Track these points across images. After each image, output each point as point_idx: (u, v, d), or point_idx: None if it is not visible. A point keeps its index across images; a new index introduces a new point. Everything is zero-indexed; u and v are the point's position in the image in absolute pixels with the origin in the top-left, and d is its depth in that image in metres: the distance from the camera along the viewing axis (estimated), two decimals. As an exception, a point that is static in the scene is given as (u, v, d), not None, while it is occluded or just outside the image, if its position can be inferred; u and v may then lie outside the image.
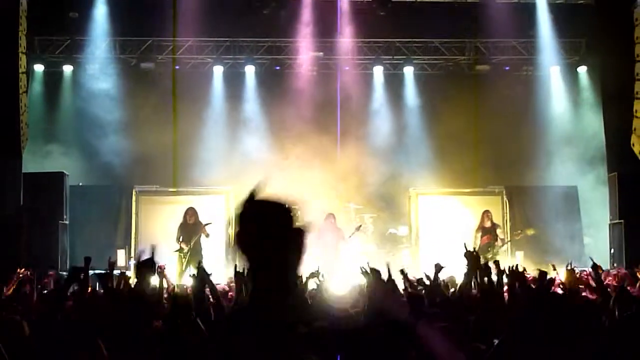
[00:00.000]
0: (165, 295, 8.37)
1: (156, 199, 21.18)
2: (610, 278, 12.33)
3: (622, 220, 18.62)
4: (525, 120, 22.01)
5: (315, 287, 9.29)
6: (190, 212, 18.71)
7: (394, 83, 22.91)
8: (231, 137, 21.86)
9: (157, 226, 20.74)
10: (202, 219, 18.63)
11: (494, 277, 7.29)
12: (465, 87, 22.05)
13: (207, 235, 18.21)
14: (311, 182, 19.98)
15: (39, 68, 22.12)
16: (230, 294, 10.59)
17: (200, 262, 16.65)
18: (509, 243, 19.11)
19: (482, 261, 15.97)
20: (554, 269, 10.96)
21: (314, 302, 7.34)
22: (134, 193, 20.89)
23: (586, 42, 22.28)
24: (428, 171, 21.54)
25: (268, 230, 2.84)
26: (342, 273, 15.72)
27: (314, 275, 9.39)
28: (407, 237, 21.29)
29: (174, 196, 21.06)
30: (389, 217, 21.48)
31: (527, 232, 18.85)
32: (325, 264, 15.63)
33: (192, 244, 18.28)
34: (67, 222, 19.05)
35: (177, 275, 17.11)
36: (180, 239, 18.30)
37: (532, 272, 11.96)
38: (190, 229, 18.53)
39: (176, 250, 18.14)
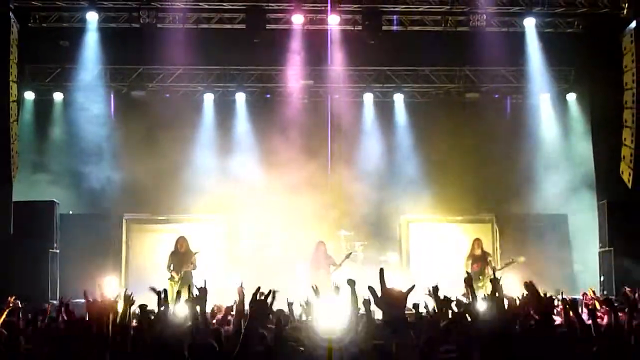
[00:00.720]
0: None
1: (146, 227, 21.11)
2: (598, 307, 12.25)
3: (611, 248, 18.57)
4: (515, 148, 22.01)
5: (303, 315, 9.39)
6: (181, 241, 18.64)
7: (384, 110, 22.96)
8: (222, 164, 21.77)
9: (147, 254, 20.68)
10: (193, 247, 18.57)
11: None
12: (455, 114, 22.14)
13: (194, 268, 18.17)
14: (301, 209, 19.98)
15: (29, 96, 22.14)
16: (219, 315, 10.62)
17: (195, 287, 16.64)
18: (500, 271, 19.09)
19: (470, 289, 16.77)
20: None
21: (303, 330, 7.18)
22: (124, 221, 20.74)
23: (575, 70, 22.30)
24: (418, 198, 21.47)
25: None
26: (332, 300, 16.37)
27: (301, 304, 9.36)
28: (398, 264, 21.16)
29: (164, 224, 21.06)
30: (379, 245, 21.46)
31: (517, 260, 18.78)
32: (318, 280, 15.65)
33: (182, 272, 18.21)
34: (57, 250, 18.91)
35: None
36: (171, 267, 18.25)
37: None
38: (181, 257, 18.47)
39: (168, 279, 18.09)
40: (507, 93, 22.85)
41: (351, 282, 7.26)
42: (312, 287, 8.73)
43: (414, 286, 4.66)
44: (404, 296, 4.18)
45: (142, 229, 21.05)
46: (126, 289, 8.20)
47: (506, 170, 21.60)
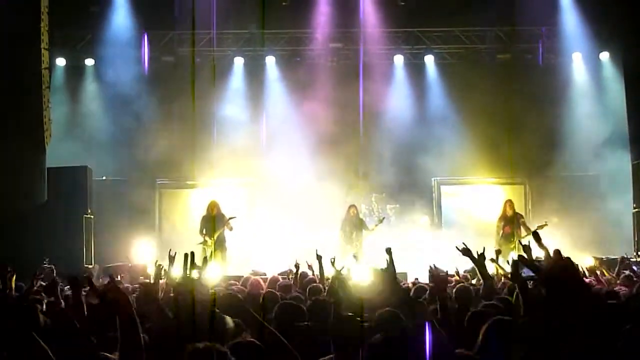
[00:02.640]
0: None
1: (179, 192, 21.13)
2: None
3: (645, 208, 18.20)
4: (548, 108, 21.56)
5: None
6: (212, 205, 18.44)
7: (415, 72, 22.55)
8: (252, 127, 21.57)
9: (180, 219, 20.78)
10: (225, 211, 18.34)
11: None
12: (487, 75, 21.71)
13: (231, 229, 17.95)
14: (332, 172, 19.78)
15: (60, 62, 21.88)
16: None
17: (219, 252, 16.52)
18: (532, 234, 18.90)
19: (505, 251, 16.17)
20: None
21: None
22: (156, 186, 20.85)
23: (609, 29, 21.63)
24: (450, 160, 21.12)
25: None
26: (364, 264, 15.86)
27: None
28: (429, 227, 20.93)
29: (196, 189, 20.98)
30: (411, 207, 21.04)
31: (549, 222, 18.55)
32: (347, 256, 15.53)
33: (215, 236, 17.98)
34: (91, 216, 18.90)
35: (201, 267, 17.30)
36: (204, 232, 18.01)
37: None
38: (213, 221, 18.20)
39: (200, 243, 17.81)
40: (540, 53, 22.26)
41: (388, 251, 7.30)
42: (354, 255, 8.70)
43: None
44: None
45: (175, 194, 21.21)
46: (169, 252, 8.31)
47: (539, 131, 21.17)
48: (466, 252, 7.77)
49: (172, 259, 8.34)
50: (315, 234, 19.06)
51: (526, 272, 5.19)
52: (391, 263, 6.98)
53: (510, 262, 7.06)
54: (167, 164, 20.70)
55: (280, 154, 20.39)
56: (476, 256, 7.62)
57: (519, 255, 4.99)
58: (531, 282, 4.97)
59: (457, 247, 8.10)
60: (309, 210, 19.68)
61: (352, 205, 19.17)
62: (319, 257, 10.44)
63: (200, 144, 20.80)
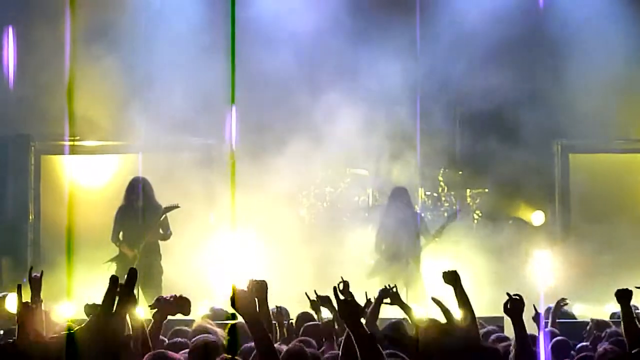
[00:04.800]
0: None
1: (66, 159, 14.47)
2: None
3: None
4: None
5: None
6: (135, 185, 12.26)
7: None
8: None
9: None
10: (161, 198, 12.21)
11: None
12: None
13: (166, 236, 12.22)
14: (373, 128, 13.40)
15: None
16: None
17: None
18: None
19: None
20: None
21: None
22: (32, 150, 14.51)
23: None
24: (581, 116, 14.60)
25: None
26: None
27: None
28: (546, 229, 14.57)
29: (106, 155, 14.53)
30: (512, 193, 14.60)
31: None
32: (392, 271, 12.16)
33: (140, 246, 12.09)
34: None
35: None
36: (120, 237, 12.22)
37: None
38: (138, 217, 12.25)
39: (111, 260, 12.11)
40: None
41: (437, 302, 5.32)
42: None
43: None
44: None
45: (60, 163, 14.72)
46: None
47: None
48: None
49: (35, 285, 5.73)
50: (317, 242, 13.22)
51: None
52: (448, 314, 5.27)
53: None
54: (46, 119, 14.36)
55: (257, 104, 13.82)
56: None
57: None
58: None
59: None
60: (307, 199, 14.27)
61: (400, 188, 12.98)
62: (344, 288, 7.26)
63: (89, 92, 13.86)
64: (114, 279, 4.26)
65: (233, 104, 12.28)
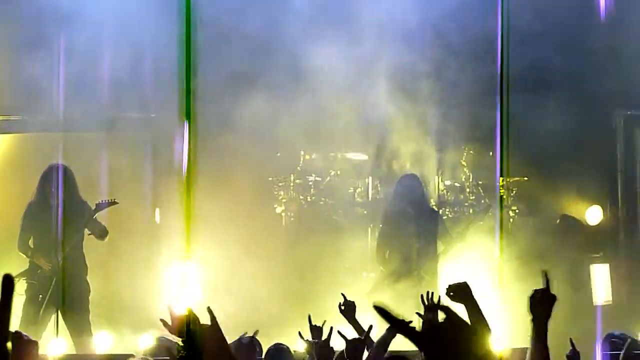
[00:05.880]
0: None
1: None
2: None
3: None
4: None
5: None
6: (50, 177, 10.04)
7: None
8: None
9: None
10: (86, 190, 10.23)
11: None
12: None
13: (102, 235, 10.05)
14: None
15: None
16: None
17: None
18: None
19: None
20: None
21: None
22: None
23: None
24: None
25: None
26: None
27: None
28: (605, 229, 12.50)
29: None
30: (560, 182, 12.33)
31: None
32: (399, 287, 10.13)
33: (60, 256, 9.94)
34: None
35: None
36: (30, 244, 10.10)
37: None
38: (57, 218, 10.14)
39: (20, 275, 9.86)
40: None
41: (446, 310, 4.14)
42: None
43: None
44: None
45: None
46: None
47: None
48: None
49: None
50: (299, 248, 11.31)
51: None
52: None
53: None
54: None
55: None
56: None
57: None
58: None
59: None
60: (285, 191, 11.78)
61: (409, 178, 10.84)
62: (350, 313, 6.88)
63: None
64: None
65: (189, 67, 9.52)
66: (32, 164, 10.82)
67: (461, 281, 5.46)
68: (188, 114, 10.23)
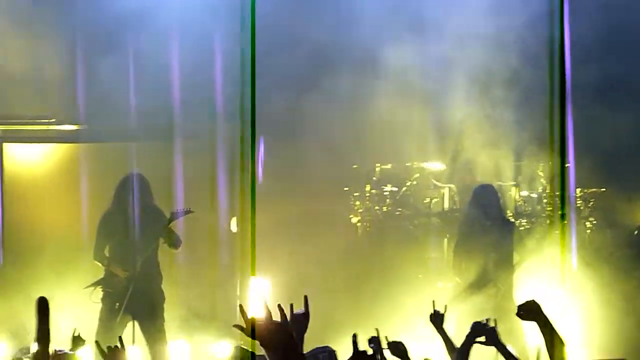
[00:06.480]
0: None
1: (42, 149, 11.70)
2: None
3: None
4: None
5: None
6: (127, 186, 9.73)
7: None
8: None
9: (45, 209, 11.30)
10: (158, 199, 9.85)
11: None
12: None
13: (176, 245, 9.58)
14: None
15: None
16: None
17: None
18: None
19: None
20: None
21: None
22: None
23: None
24: None
25: None
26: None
27: None
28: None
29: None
30: None
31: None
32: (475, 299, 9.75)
33: (138, 265, 9.62)
34: None
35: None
36: (105, 252, 9.72)
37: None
38: (133, 227, 9.80)
39: (96, 283, 9.58)
40: None
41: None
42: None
43: None
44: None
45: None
46: None
47: None
48: None
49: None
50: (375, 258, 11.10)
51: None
52: None
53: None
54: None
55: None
56: None
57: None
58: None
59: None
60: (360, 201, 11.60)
61: (485, 188, 10.38)
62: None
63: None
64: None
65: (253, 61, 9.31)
66: (104, 173, 10.72)
67: (529, 299, 5.32)
68: (253, 123, 10.16)
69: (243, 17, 9.80)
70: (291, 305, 4.47)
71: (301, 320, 5.00)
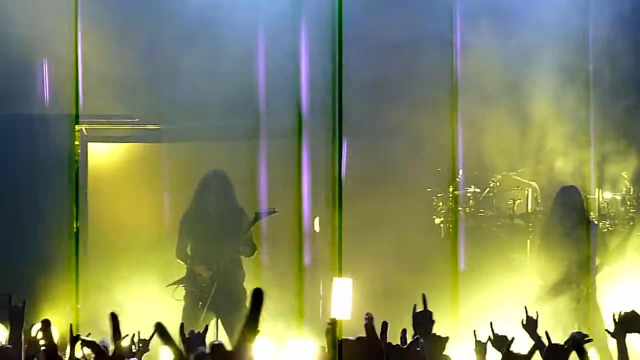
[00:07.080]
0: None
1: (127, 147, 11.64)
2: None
3: None
4: None
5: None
6: (207, 181, 9.68)
7: None
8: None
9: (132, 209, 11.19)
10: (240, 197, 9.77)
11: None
12: None
13: (248, 254, 9.63)
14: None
15: None
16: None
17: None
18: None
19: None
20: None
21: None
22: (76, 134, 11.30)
23: None
24: None
25: None
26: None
27: None
28: None
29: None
30: None
31: None
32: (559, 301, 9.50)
33: (221, 264, 9.47)
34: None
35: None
36: (188, 251, 9.62)
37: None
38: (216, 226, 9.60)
39: (178, 281, 9.55)
40: None
41: None
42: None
43: None
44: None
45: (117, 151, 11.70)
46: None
47: None
48: None
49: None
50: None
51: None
52: None
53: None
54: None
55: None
56: None
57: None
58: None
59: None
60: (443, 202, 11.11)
61: (569, 190, 10.04)
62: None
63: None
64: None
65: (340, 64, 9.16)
66: (185, 172, 10.67)
67: (629, 311, 5.25)
68: (340, 124, 9.96)
69: (332, 19, 9.77)
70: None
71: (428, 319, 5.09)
